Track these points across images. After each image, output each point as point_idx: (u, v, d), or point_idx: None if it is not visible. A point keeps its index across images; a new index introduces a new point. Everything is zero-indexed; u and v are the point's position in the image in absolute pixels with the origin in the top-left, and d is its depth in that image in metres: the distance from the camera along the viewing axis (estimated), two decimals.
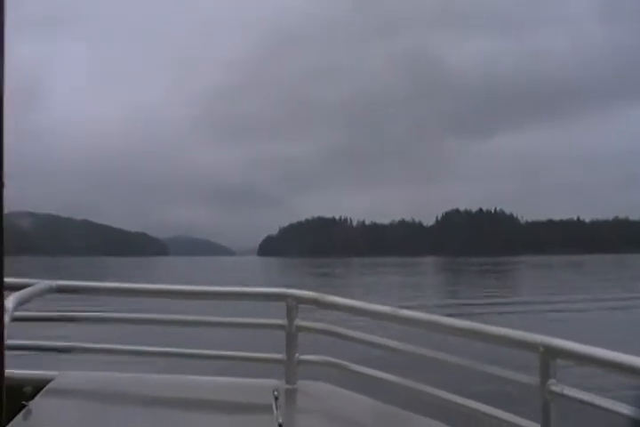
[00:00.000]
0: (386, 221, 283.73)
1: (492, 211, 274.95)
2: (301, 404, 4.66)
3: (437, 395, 4.09)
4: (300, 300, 4.77)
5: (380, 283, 58.11)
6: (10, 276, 2.79)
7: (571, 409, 3.49)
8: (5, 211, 2.21)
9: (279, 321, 4.84)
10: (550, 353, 3.46)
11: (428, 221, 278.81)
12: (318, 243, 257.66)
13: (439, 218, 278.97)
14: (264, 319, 5.06)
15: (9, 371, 2.62)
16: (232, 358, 5.16)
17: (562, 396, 3.42)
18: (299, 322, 4.77)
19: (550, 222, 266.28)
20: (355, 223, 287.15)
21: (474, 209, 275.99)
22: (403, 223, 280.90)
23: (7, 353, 2.57)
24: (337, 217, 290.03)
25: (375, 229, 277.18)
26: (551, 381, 3.45)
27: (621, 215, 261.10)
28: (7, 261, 2.44)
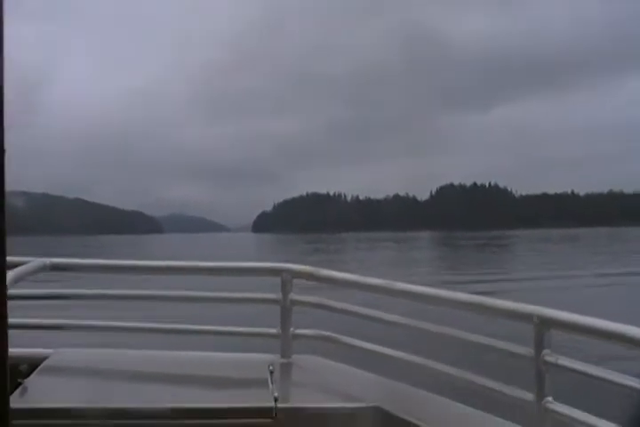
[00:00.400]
0: (380, 196, 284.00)
1: (487, 185, 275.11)
2: (297, 378, 4.68)
3: (432, 367, 4.11)
4: (294, 274, 4.78)
5: (376, 259, 58.03)
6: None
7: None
8: None
9: (274, 296, 4.84)
10: (545, 324, 3.48)
11: (423, 195, 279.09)
12: (313, 219, 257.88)
13: (433, 193, 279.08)
14: (258, 294, 5.08)
15: None
16: (226, 333, 5.17)
17: (556, 366, 3.44)
18: (293, 296, 4.77)
19: (545, 196, 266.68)
20: (349, 199, 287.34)
21: (468, 183, 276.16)
22: (397, 198, 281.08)
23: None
24: (331, 193, 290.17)
25: (369, 204, 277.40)
26: (545, 351, 3.47)
27: (616, 188, 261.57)
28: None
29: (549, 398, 3.48)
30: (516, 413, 3.70)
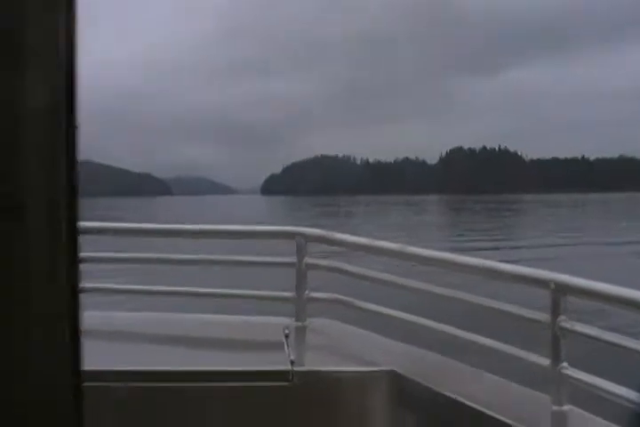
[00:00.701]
0: (390, 159, 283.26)
1: (496, 149, 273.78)
2: (312, 341, 4.70)
3: (447, 331, 4.12)
4: (308, 238, 4.78)
5: (390, 223, 57.60)
6: None
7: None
8: None
9: (288, 259, 4.85)
10: (561, 290, 3.47)
11: (432, 159, 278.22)
12: (322, 182, 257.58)
13: (443, 156, 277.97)
14: (273, 258, 5.08)
15: None
16: (241, 296, 5.20)
17: (572, 332, 3.45)
18: (308, 260, 4.78)
19: (555, 160, 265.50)
20: (358, 162, 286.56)
21: (478, 147, 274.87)
22: (406, 161, 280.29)
23: None
24: (340, 155, 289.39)
25: (379, 167, 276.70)
26: (561, 317, 3.47)
27: (627, 154, 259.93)
28: None
29: (565, 364, 3.49)
30: (531, 378, 3.72)
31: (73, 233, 0.71)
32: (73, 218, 0.71)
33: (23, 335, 0.71)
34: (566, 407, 3.48)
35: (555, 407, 3.48)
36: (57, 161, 0.69)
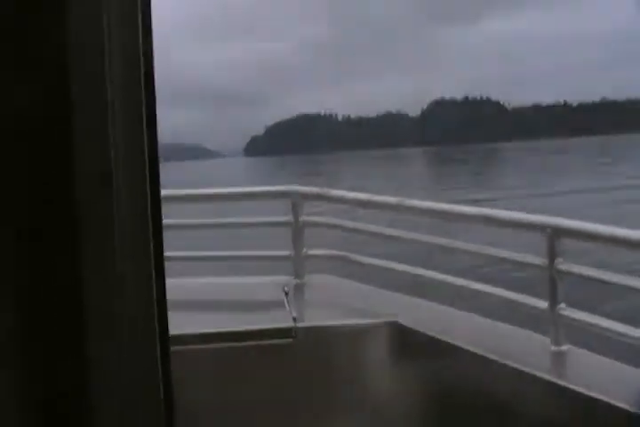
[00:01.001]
0: (371, 114, 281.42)
1: (478, 98, 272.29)
2: (312, 297, 4.76)
3: (448, 281, 4.18)
4: (304, 196, 4.80)
5: (379, 177, 57.17)
6: None
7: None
8: None
9: (285, 218, 4.89)
10: (557, 233, 3.53)
11: (414, 112, 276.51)
12: (305, 140, 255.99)
13: (424, 108, 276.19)
14: (269, 217, 5.12)
15: None
16: (239, 257, 5.23)
17: (569, 274, 3.52)
18: (304, 218, 4.82)
19: (537, 107, 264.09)
20: (340, 118, 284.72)
21: (459, 97, 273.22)
22: (388, 115, 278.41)
23: None
24: (322, 113, 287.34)
25: (361, 122, 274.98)
26: (558, 260, 3.54)
27: (608, 97, 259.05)
28: None
29: (563, 305, 3.57)
30: (530, 321, 3.80)
31: (156, 201, 0.81)
32: (156, 187, 0.83)
33: (117, 293, 0.83)
34: (565, 347, 3.57)
35: (554, 348, 3.57)
36: (139, 137, 0.77)
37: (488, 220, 4.12)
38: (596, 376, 3.34)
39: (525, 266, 3.86)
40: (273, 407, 3.97)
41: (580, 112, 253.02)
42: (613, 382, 3.26)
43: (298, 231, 4.82)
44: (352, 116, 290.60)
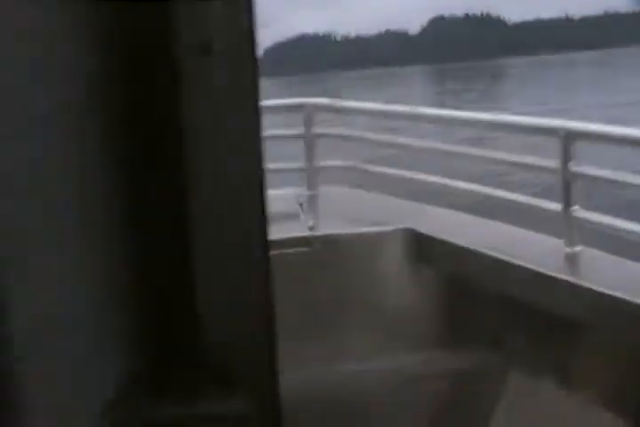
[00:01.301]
0: (371, 32, 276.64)
1: (479, 15, 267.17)
2: (326, 208, 4.80)
3: (462, 187, 4.22)
4: (316, 107, 4.80)
5: (385, 95, 56.10)
6: None
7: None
8: None
9: (297, 131, 4.90)
10: (570, 136, 3.55)
11: (414, 29, 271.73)
12: (305, 60, 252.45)
13: (424, 25, 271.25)
14: (281, 130, 5.12)
15: None
16: None
17: (583, 176, 3.56)
18: (316, 129, 4.83)
19: (538, 21, 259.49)
20: (339, 38, 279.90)
21: (459, 14, 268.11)
22: (388, 33, 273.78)
23: None
24: (320, 33, 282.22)
25: (360, 41, 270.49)
26: (572, 162, 3.58)
27: (610, 10, 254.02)
28: None
29: (576, 207, 3.62)
30: (545, 224, 3.86)
31: (253, 72, 0.88)
32: (253, 56, 0.89)
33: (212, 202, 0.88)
34: (578, 248, 3.64)
35: (568, 249, 3.64)
36: (240, 15, 0.84)
37: (499, 125, 4.13)
38: (610, 275, 3.42)
39: (540, 170, 3.89)
40: (291, 314, 4.06)
41: (583, 26, 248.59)
42: (627, 280, 3.33)
43: (311, 143, 4.84)
44: (351, 35, 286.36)
